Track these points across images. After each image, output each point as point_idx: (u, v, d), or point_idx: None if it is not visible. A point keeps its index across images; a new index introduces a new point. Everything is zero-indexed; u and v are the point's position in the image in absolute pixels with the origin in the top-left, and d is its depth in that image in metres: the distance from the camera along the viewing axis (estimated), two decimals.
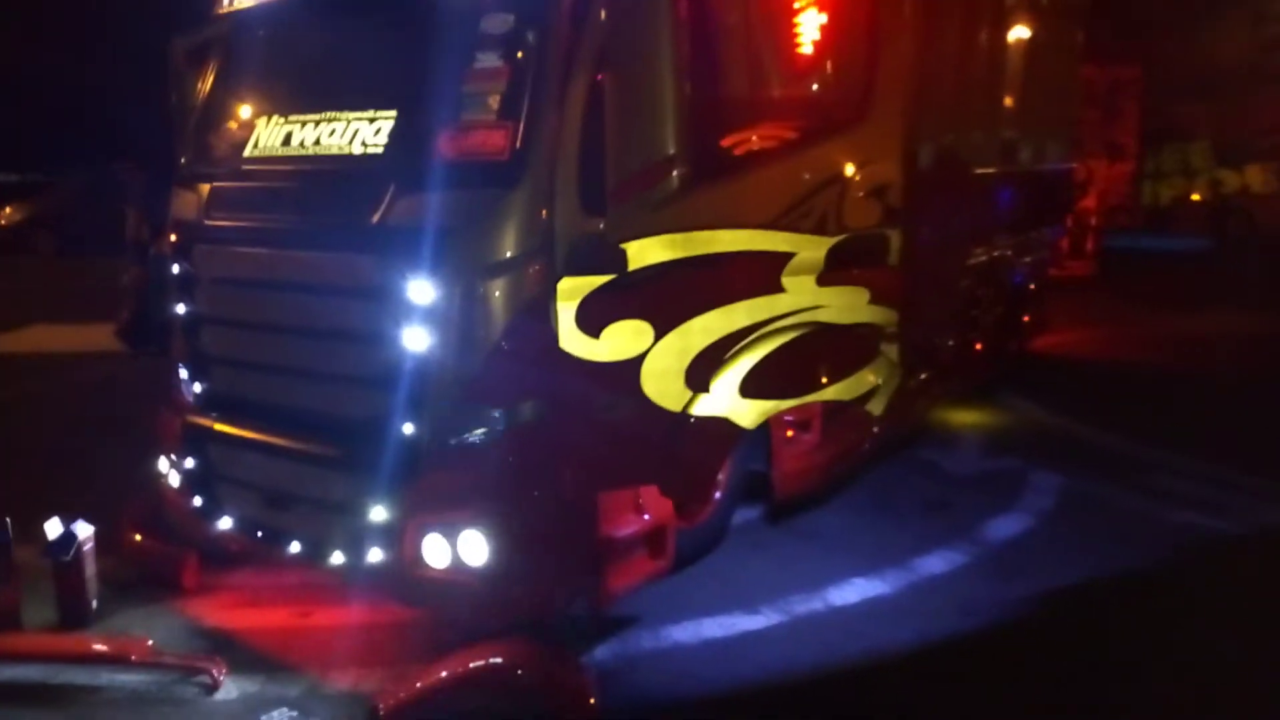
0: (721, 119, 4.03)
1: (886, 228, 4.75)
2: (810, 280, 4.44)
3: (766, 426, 4.86)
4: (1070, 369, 9.47)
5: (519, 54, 3.50)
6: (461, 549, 3.59)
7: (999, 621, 4.28)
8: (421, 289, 3.53)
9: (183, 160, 4.57)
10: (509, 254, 3.51)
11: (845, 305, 4.63)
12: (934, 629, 4.19)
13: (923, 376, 6.30)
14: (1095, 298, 13.52)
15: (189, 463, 4.38)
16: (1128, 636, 4.19)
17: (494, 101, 3.56)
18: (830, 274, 4.51)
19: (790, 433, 5.10)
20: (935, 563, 4.84)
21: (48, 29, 20.11)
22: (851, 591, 4.51)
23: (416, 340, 3.57)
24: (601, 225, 3.55)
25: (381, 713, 3.37)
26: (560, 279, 3.57)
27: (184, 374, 4.46)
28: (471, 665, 3.53)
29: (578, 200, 3.55)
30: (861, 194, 4.55)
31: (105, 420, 7.00)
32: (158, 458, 4.61)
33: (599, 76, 3.45)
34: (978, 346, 7.59)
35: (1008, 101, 7.29)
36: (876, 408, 4.97)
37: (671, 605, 4.29)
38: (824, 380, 4.66)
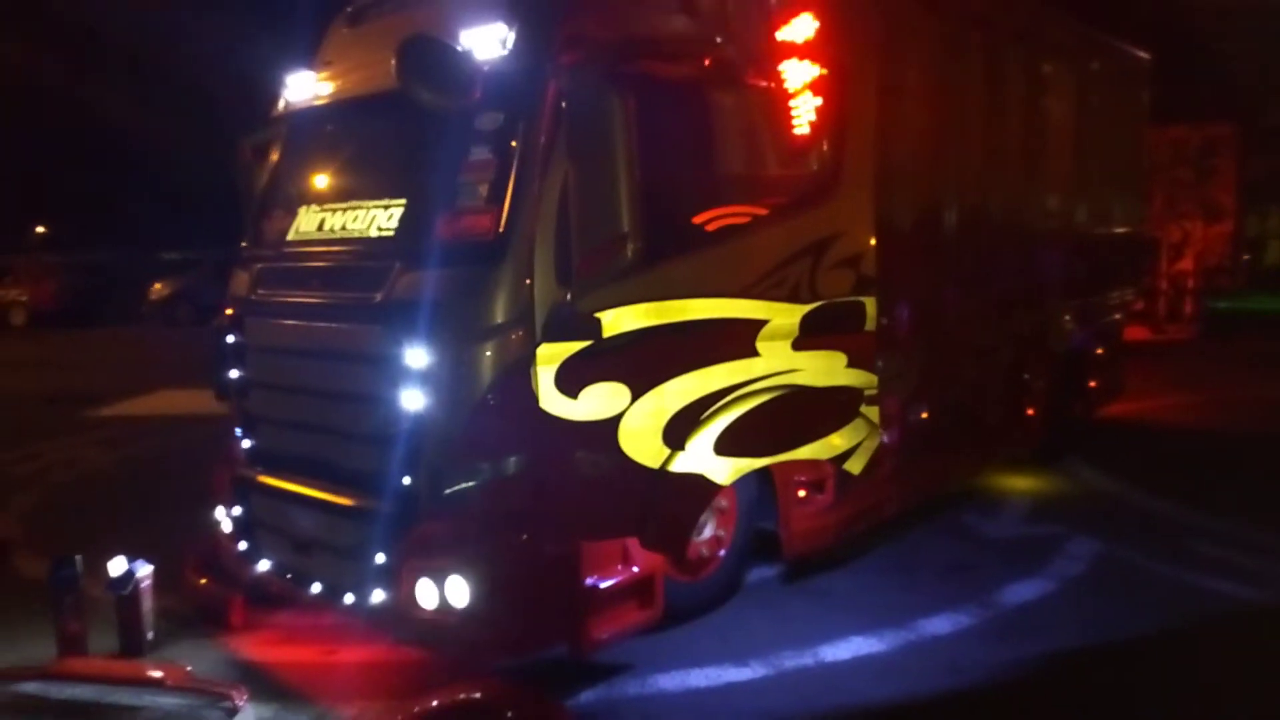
0: (693, 198, 4.37)
1: (860, 295, 4.95)
2: (785, 345, 4.66)
3: (773, 486, 5.07)
4: (1147, 435, 9.24)
5: (502, 148, 3.94)
6: (448, 592, 3.92)
7: (985, 682, 4.32)
8: (417, 355, 3.95)
9: (242, 243, 5.20)
10: (493, 323, 3.89)
11: (821, 369, 4.82)
12: (917, 687, 4.27)
13: (948, 440, 6.36)
14: (1192, 362, 13.06)
15: (236, 511, 4.89)
16: (1117, 701, 4.16)
17: (483, 189, 3.99)
18: (805, 339, 4.73)
19: (803, 493, 5.28)
20: (939, 624, 4.88)
21: (195, 129, 22.16)
22: (845, 649, 4.61)
23: (413, 401, 3.98)
24: (569, 296, 3.92)
25: None
26: (539, 345, 3.93)
27: (236, 431, 5.01)
28: (453, 699, 3.84)
29: (553, 275, 3.92)
30: (834, 264, 4.76)
31: (196, 474, 7.70)
32: (215, 507, 5.16)
33: (566, 167, 3.84)
34: (1029, 411, 7.55)
35: (1044, 168, 7.33)
36: (855, 466, 5.09)
37: (663, 655, 4.49)
38: (800, 440, 4.84)
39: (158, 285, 24.69)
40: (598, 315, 4.01)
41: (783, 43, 4.68)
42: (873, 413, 5.07)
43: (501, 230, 3.89)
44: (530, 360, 3.92)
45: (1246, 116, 15.85)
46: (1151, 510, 6.78)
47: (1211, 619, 4.95)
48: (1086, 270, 8.36)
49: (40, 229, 33.64)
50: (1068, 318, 8.14)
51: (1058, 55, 7.45)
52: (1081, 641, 4.69)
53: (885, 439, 5.82)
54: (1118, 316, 9.40)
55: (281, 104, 5.22)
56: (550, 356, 3.95)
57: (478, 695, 3.87)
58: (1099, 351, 8.81)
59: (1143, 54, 9.36)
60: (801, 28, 4.69)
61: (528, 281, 3.90)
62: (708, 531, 4.87)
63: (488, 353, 3.91)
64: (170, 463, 8.75)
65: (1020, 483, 7.40)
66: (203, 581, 5.13)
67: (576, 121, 3.82)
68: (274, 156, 5.15)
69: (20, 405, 12.30)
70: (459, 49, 3.92)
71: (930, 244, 5.79)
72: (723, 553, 4.97)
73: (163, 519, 6.58)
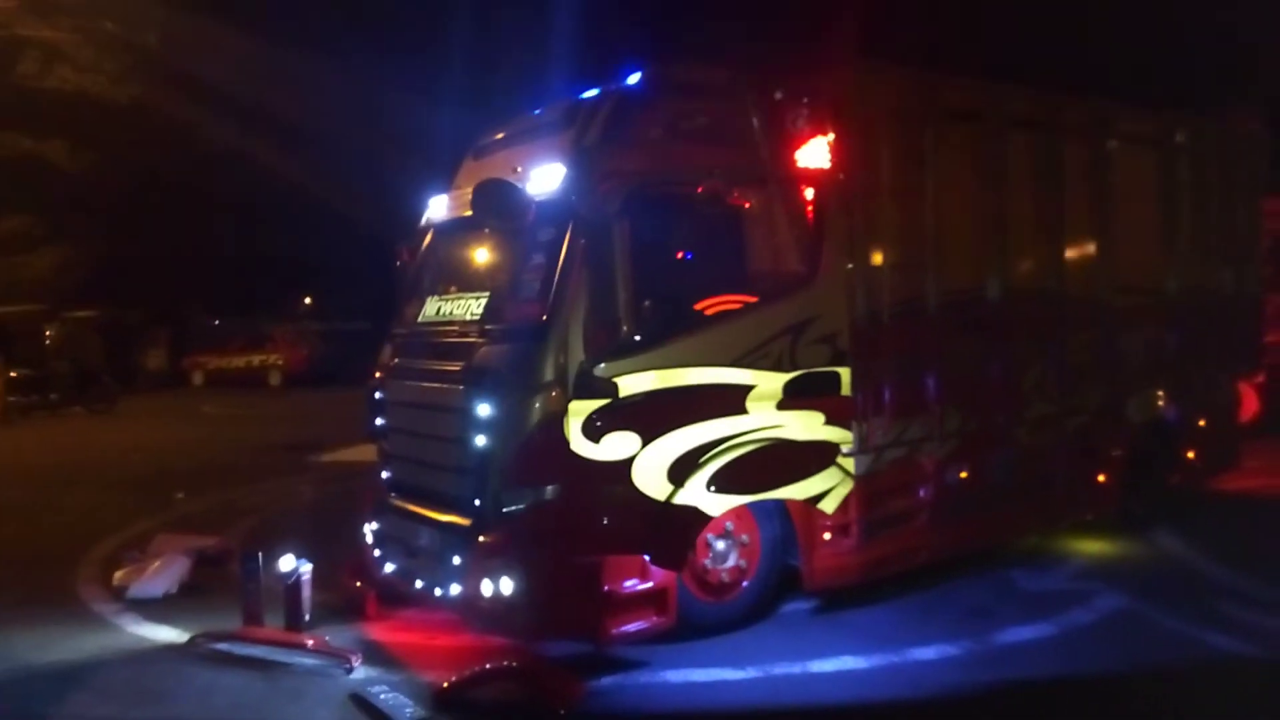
0: (695, 289, 5.56)
1: (836, 366, 5.91)
2: (771, 405, 5.67)
3: (794, 527, 6.04)
4: (1259, 509, 9.16)
5: (547, 257, 5.33)
6: (500, 587, 5.22)
7: (939, 696, 5.07)
8: (485, 408, 5.35)
9: (392, 324, 6.86)
10: (538, 383, 5.23)
11: (802, 425, 5.77)
12: (874, 693, 5.11)
13: (994, 499, 7.01)
14: None
15: (374, 526, 6.45)
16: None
17: (535, 286, 5.40)
18: (788, 401, 5.72)
19: (828, 535, 6.20)
20: (927, 652, 5.63)
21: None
22: (832, 663, 5.48)
23: (482, 442, 5.36)
24: (593, 365, 5.19)
25: (438, 692, 5.05)
26: (571, 401, 5.22)
27: (379, 465, 6.61)
28: (499, 666, 5.12)
29: (581, 349, 5.22)
30: (812, 340, 5.77)
31: None
32: (362, 524, 6.74)
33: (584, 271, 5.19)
34: (1099, 478, 7.94)
35: (1110, 247, 7.83)
36: (828, 506, 5.93)
37: (678, 656, 5.54)
38: (780, 482, 5.78)
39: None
40: (615, 380, 5.26)
41: (795, 165, 5.88)
42: (848, 463, 5.96)
43: (545, 317, 5.25)
44: (564, 413, 5.22)
45: None
46: (1206, 576, 7.03)
47: (1191, 667, 5.38)
48: (1178, 343, 8.61)
49: (307, 299, 38.63)
50: (1154, 389, 8.45)
51: (1097, 136, 7.87)
52: (1050, 675, 5.31)
53: (922, 494, 6.66)
54: (1227, 388, 9.43)
55: (424, 219, 6.89)
56: (579, 410, 5.23)
57: (516, 664, 5.13)
58: (1200, 424, 8.96)
59: (1252, 124, 9.55)
60: (812, 153, 5.87)
61: (563, 354, 5.22)
62: (730, 561, 5.91)
63: (535, 405, 5.24)
64: (362, 498, 10.63)
65: (1088, 544, 7.80)
66: (355, 583, 6.70)
67: (588, 239, 5.16)
68: (413, 258, 6.81)
69: (262, 452, 14.92)
70: (518, 186, 5.36)
71: (929, 324, 6.57)
72: (746, 583, 5.98)
73: (343, 535, 8.28)
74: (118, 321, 29.02)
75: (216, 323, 33.64)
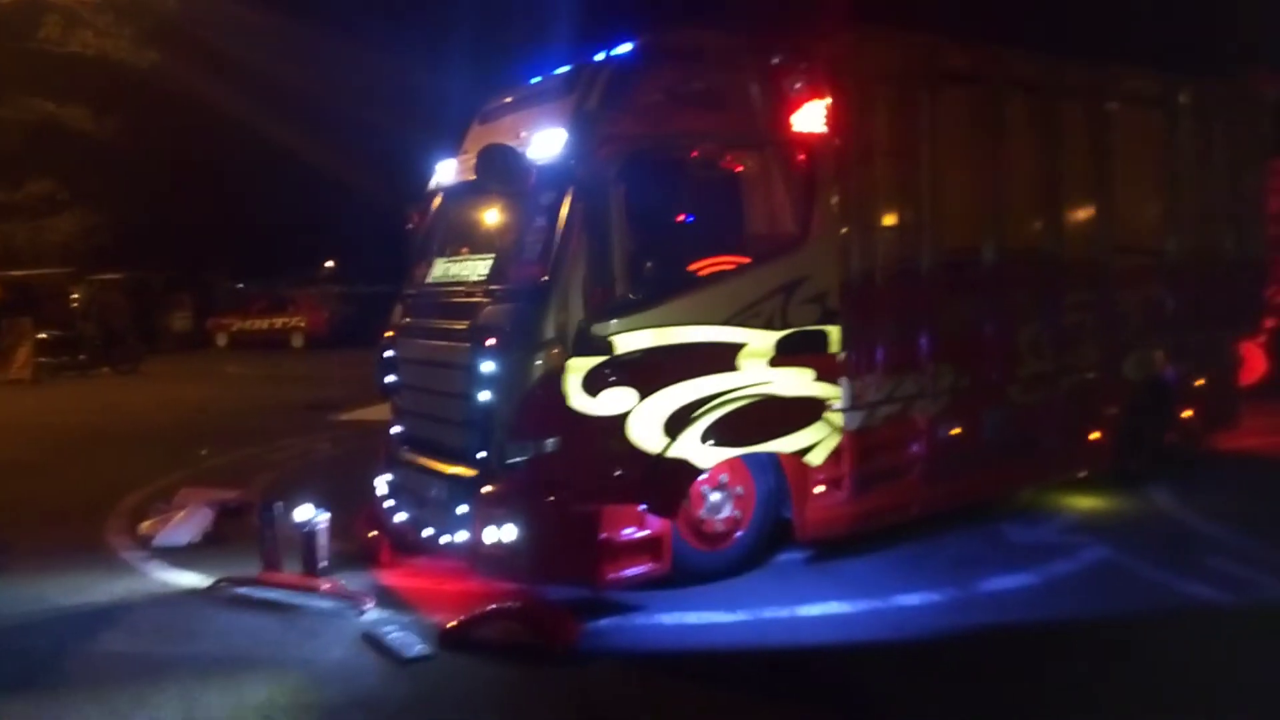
0: (689, 251, 5.77)
1: (826, 324, 6.10)
2: (763, 362, 5.88)
3: (787, 480, 6.28)
4: (1258, 467, 9.30)
5: (548, 220, 5.54)
6: (503, 534, 5.50)
7: (916, 638, 5.33)
8: (490, 364, 5.59)
9: (403, 285, 7.10)
10: (539, 341, 5.46)
11: (791, 382, 5.98)
12: (857, 634, 5.39)
13: (988, 455, 7.21)
14: None
15: (386, 478, 6.75)
16: (1023, 666, 5.04)
17: (536, 248, 5.61)
18: (779, 358, 5.93)
19: (820, 489, 6.42)
20: (911, 598, 5.88)
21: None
22: (818, 608, 5.74)
23: (487, 397, 5.61)
24: (590, 325, 5.42)
25: (444, 630, 5.36)
26: (570, 358, 5.45)
27: (391, 420, 6.88)
28: (502, 606, 5.42)
29: (581, 308, 5.44)
30: (803, 300, 5.95)
31: None
32: (376, 476, 7.04)
33: (583, 234, 5.39)
34: (1093, 435, 8.12)
35: (1107, 208, 7.94)
36: (815, 459, 6.16)
37: (675, 601, 5.81)
38: (769, 436, 6.00)
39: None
40: (613, 338, 5.49)
41: (791, 129, 6.04)
42: (836, 418, 6.18)
43: (546, 278, 5.47)
44: (564, 369, 5.45)
45: None
46: (1194, 531, 7.22)
47: (1165, 614, 5.61)
48: (1177, 304, 8.71)
49: (329, 263, 39.01)
50: (1152, 349, 8.58)
51: (1097, 98, 7.95)
52: (1026, 620, 5.54)
53: (914, 449, 6.87)
54: (1227, 349, 9.54)
55: (433, 183, 7.10)
56: (578, 367, 5.46)
57: (516, 606, 5.43)
58: (1198, 383, 9.08)
59: (1267, 86, 9.56)
60: (808, 117, 6.03)
61: (563, 313, 5.44)
62: (725, 512, 6.15)
63: (535, 362, 5.47)
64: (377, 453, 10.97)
65: (1081, 500, 7.99)
66: (370, 533, 7.00)
67: (587, 203, 5.36)
68: (421, 222, 7.04)
69: (283, 411, 15.31)
70: (519, 151, 5.55)
71: (922, 284, 6.72)
72: (740, 533, 6.22)
73: (358, 488, 8.60)
74: (144, 284, 29.59)
75: (241, 286, 34.16)
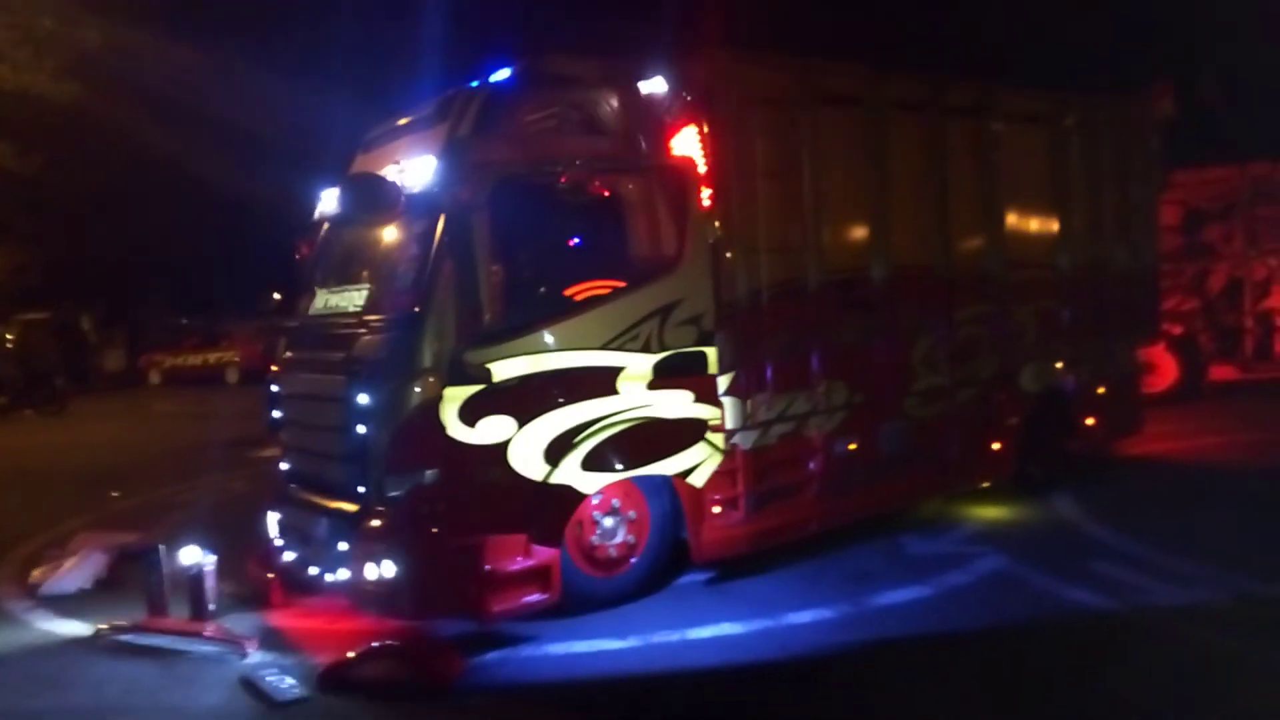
0: (563, 276, 5.75)
1: (702, 346, 6.12)
2: (641, 385, 5.88)
3: (681, 502, 6.25)
4: (1158, 472, 9.48)
5: (419, 248, 5.49)
6: (383, 570, 5.40)
7: (802, 653, 5.33)
8: (365, 396, 5.50)
9: (287, 318, 6.99)
10: (414, 371, 5.39)
11: (671, 403, 5.99)
12: (746, 655, 5.35)
13: (885, 468, 7.27)
14: (1273, 401, 12.79)
15: (275, 515, 6.60)
16: (910, 675, 5.06)
17: (408, 277, 5.55)
18: (657, 381, 5.93)
19: (717, 509, 6.42)
20: (803, 615, 5.88)
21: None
22: (709, 630, 5.71)
23: (364, 429, 5.52)
24: (464, 353, 5.37)
25: (321, 671, 5.24)
26: (446, 387, 5.39)
27: (279, 457, 6.75)
28: (384, 645, 5.31)
29: (454, 336, 5.39)
30: (679, 322, 5.97)
31: None
32: (268, 514, 6.89)
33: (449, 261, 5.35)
34: (994, 445, 8.22)
35: (996, 227, 8.10)
36: (698, 480, 6.17)
37: (564, 630, 5.75)
38: (651, 458, 5.98)
39: None
40: (489, 365, 5.44)
41: (666, 153, 6.06)
42: (717, 439, 6.19)
43: (419, 307, 5.41)
44: (440, 399, 5.39)
45: None
46: (1089, 537, 7.31)
47: (1048, 623, 5.66)
48: (1073, 315, 8.89)
49: (276, 295, 38.37)
50: (1049, 359, 8.74)
51: (981, 117, 8.09)
52: (914, 633, 5.57)
53: (810, 466, 6.90)
54: (1126, 357, 9.74)
55: (318, 212, 7.01)
56: (454, 396, 5.40)
57: (396, 644, 5.32)
58: (1099, 391, 9.25)
59: (1165, 102, 9.85)
60: (682, 141, 6.07)
61: (437, 342, 5.39)
62: (619, 537, 6.11)
63: (411, 393, 5.40)
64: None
65: (983, 509, 8.09)
66: (264, 573, 6.84)
67: (457, 230, 5.33)
68: (304, 253, 6.95)
69: (206, 449, 14.94)
70: (384, 180, 5.50)
71: (810, 303, 6.78)
72: (634, 558, 6.18)
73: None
74: (73, 323, 28.90)
75: (185, 321, 33.47)
